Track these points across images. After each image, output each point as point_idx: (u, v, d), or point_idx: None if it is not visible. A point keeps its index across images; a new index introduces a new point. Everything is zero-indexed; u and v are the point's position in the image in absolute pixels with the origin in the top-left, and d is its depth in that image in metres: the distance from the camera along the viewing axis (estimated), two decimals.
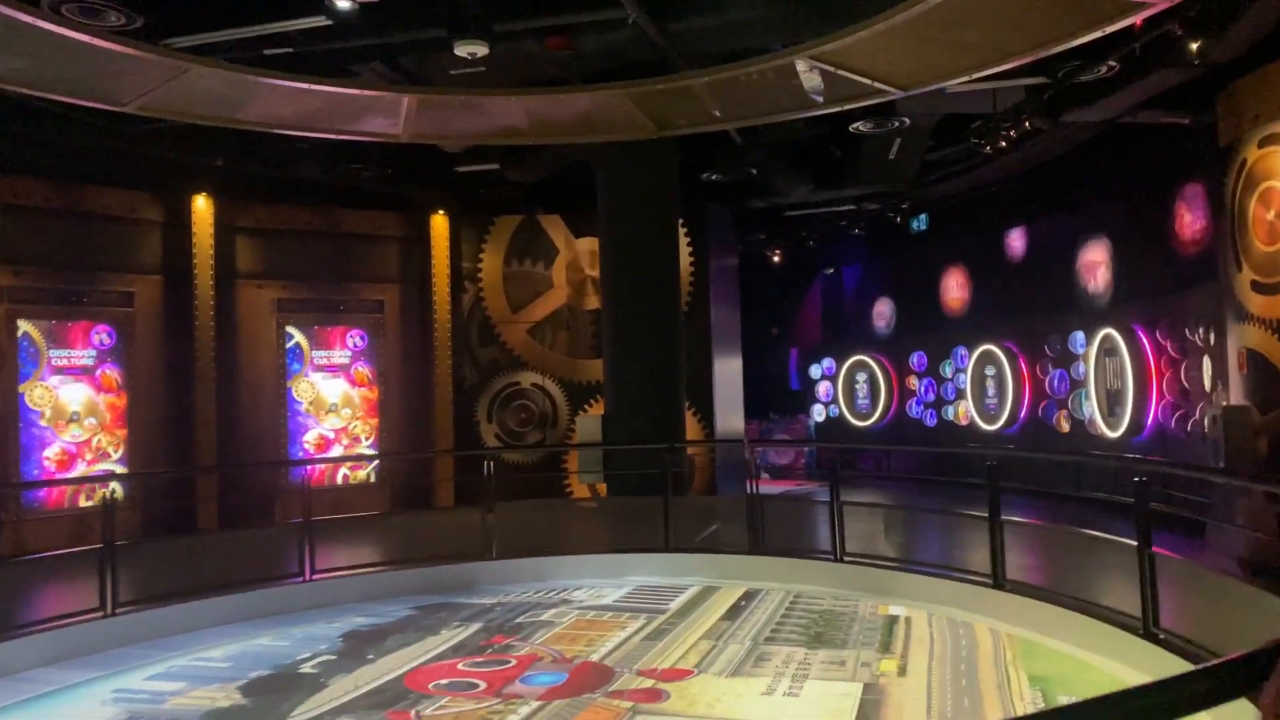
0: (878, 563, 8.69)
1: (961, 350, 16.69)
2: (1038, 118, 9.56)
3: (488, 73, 8.69)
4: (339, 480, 13.61)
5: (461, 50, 7.08)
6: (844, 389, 19.54)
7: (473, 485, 13.83)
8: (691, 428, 13.86)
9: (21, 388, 11.00)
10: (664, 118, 9.14)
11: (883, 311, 19.43)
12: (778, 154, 12.74)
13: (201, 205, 12.63)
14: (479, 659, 6.89)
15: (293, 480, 13.25)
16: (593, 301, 14.62)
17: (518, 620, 8.11)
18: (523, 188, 13.75)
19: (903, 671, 6.20)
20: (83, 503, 11.42)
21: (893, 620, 7.60)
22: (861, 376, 19.28)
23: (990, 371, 15.91)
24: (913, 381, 18.26)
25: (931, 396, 17.79)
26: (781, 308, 21.50)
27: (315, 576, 8.99)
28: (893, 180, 13.85)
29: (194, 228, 12.54)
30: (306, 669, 7.11)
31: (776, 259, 18.39)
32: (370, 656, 7.29)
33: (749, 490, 9.45)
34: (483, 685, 6.27)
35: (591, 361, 14.46)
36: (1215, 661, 1.60)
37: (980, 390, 16.15)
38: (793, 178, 13.53)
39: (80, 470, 11.38)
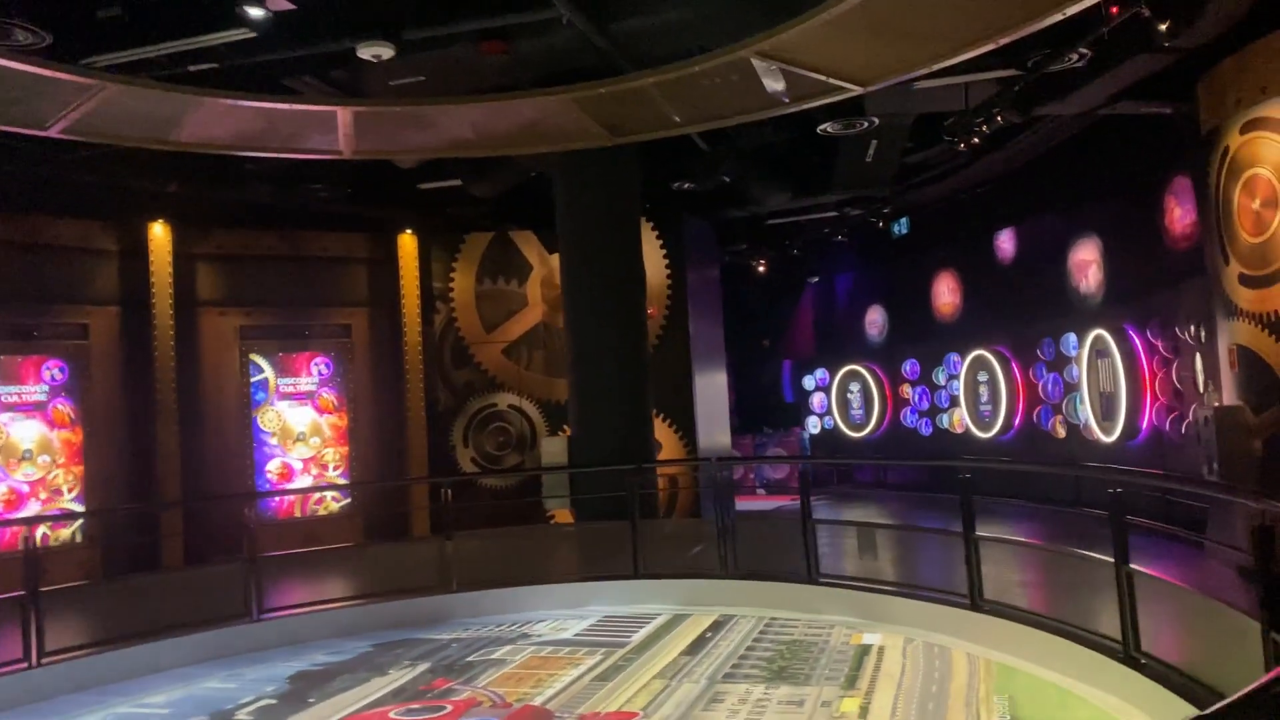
0: (853, 584, 8.24)
1: (954, 356, 16.24)
2: (1009, 111, 9.15)
3: (428, 83, 8.36)
4: (310, 512, 13.20)
5: (365, 52, 6.74)
6: (837, 400, 19.09)
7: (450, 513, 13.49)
8: (673, 445, 13.45)
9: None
10: (617, 124, 8.76)
11: (875, 319, 19.00)
12: (751, 161, 12.36)
13: (159, 232, 12.31)
14: (415, 705, 6.47)
15: (262, 513, 12.89)
16: None
17: (469, 658, 7.71)
18: (492, 203, 13.40)
19: (864, 713, 5.73)
20: (39, 543, 11.04)
21: (865, 650, 7.13)
22: (855, 386, 18.82)
23: (983, 377, 15.45)
24: (906, 390, 17.80)
25: (926, 405, 17.33)
26: (772, 319, 21.09)
27: (264, 616, 8.59)
28: (871, 184, 13.46)
29: (151, 255, 12.23)
30: (243, 715, 6.74)
31: (762, 269, 17.98)
32: (311, 700, 6.94)
33: (718, 509, 9.01)
34: None
35: None
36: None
37: (974, 397, 15.69)
38: (768, 185, 13.14)
39: (34, 509, 11.01)
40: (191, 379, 12.50)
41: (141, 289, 12.15)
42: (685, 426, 13.58)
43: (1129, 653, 5.54)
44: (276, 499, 12.99)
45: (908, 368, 17.69)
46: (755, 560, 8.90)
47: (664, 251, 13.79)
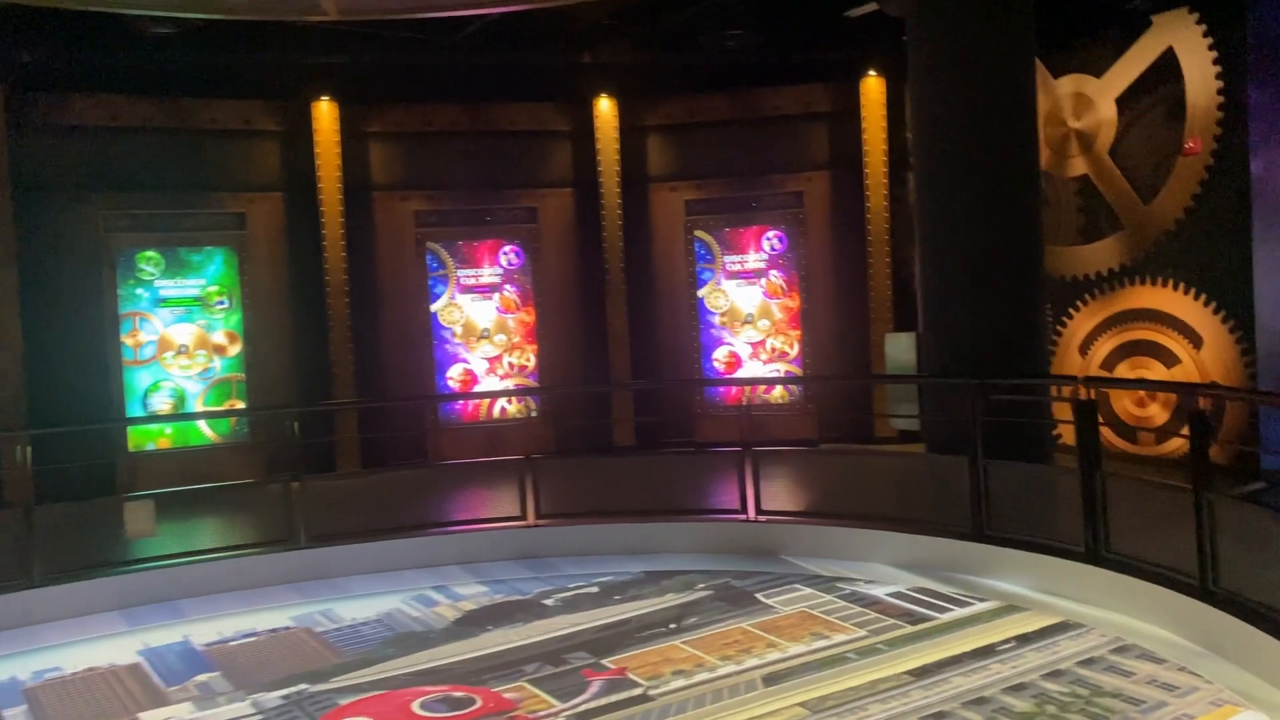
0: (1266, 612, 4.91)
1: None
2: None
3: None
4: (761, 401, 12.52)
5: None
6: None
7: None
8: (1221, 343, 9.69)
9: (434, 307, 12.13)
10: None
11: None
12: None
13: (605, 108, 12.41)
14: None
15: (709, 400, 12.67)
16: (1078, 166, 11.02)
17: (759, 594, 6.88)
18: None
19: None
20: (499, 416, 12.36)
21: None
22: None
23: None
24: None
25: None
26: None
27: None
28: None
29: (598, 133, 12.40)
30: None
31: None
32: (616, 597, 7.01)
33: (1083, 461, 6.07)
34: None
35: (1078, 249, 11.03)
36: None
37: None
38: None
39: (491, 385, 12.25)
40: (639, 258, 12.57)
41: (590, 169, 12.44)
42: (1241, 317, 9.59)
43: None
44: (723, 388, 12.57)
45: None
46: (1145, 542, 5.85)
47: (1214, 56, 9.64)
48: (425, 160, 12.24)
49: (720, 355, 12.54)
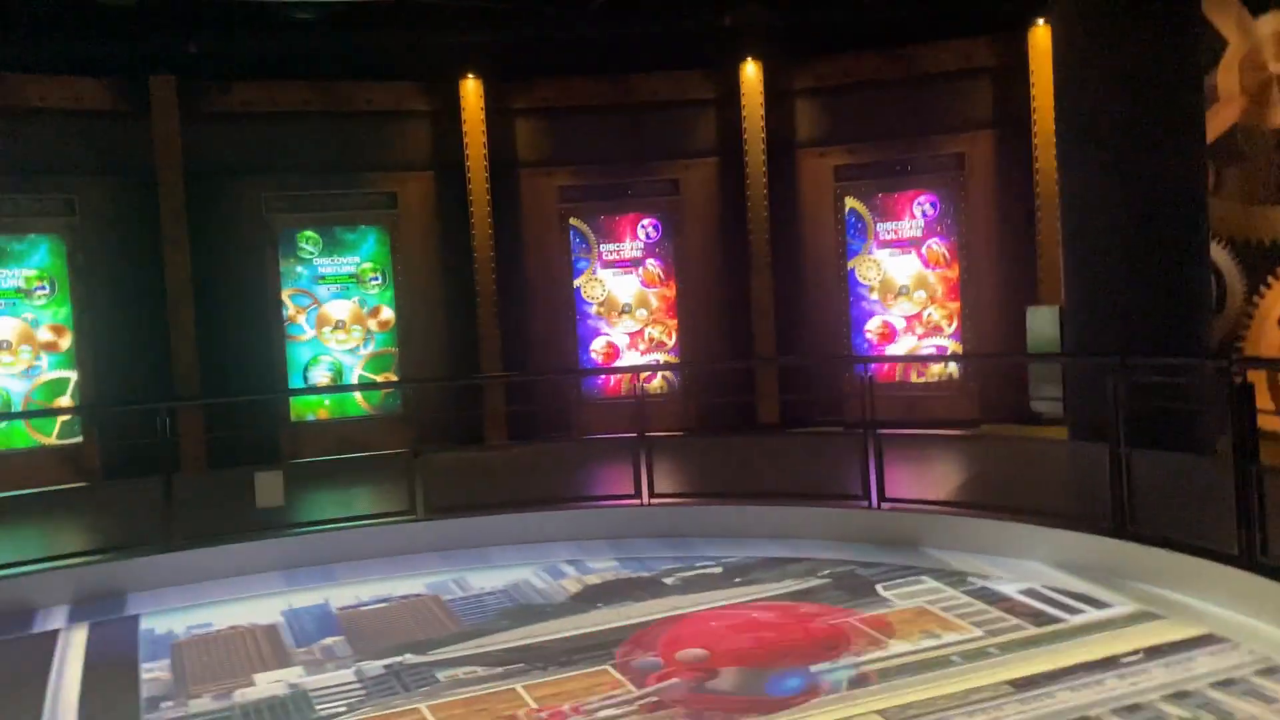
0: None
1: None
2: None
3: None
4: (912, 378, 11.89)
5: None
6: None
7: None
8: None
9: (576, 282, 12.17)
10: None
11: None
12: None
13: (750, 73, 12.01)
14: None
15: (859, 377, 12.09)
16: None
17: (880, 586, 6.51)
18: None
19: None
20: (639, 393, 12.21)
21: None
22: None
23: None
24: None
25: None
26: None
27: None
28: None
29: (743, 99, 12.02)
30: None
31: None
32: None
33: (1238, 452, 5.34)
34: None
35: (1279, 209, 9.75)
36: None
37: None
38: None
39: (632, 360, 12.17)
40: (785, 228, 12.13)
41: (733, 135, 12.10)
42: None
43: None
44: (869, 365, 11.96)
45: None
46: None
47: None
48: (568, 135, 12.28)
49: (873, 328, 11.98)
